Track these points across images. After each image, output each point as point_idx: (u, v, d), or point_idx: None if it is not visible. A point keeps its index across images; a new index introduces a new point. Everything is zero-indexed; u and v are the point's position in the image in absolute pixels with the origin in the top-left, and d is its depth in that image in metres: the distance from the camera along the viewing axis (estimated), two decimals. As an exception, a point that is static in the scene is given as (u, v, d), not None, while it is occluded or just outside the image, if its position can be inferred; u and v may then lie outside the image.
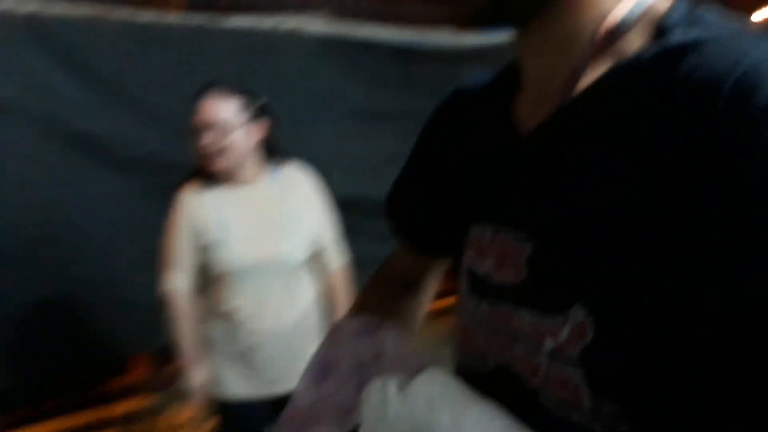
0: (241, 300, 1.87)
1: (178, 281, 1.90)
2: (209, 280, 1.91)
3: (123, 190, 2.65)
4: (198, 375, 1.90)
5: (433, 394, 0.64)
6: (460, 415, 0.61)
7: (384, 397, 0.67)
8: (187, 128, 2.67)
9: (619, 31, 0.58)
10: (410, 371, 0.69)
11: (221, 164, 1.83)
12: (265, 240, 1.88)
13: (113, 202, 2.63)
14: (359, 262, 2.13)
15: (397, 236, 0.93)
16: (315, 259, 2.00)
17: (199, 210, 1.88)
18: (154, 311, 2.80)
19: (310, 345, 1.88)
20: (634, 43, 0.57)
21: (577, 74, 0.60)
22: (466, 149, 0.75)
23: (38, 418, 2.72)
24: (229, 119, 1.81)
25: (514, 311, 0.64)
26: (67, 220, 2.53)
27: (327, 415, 0.74)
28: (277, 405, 1.85)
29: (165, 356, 3.29)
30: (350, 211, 2.37)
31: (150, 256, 2.75)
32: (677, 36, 0.54)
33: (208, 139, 1.80)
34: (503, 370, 0.66)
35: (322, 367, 0.79)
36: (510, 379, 0.65)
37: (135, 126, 2.67)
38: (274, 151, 1.96)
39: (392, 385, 0.68)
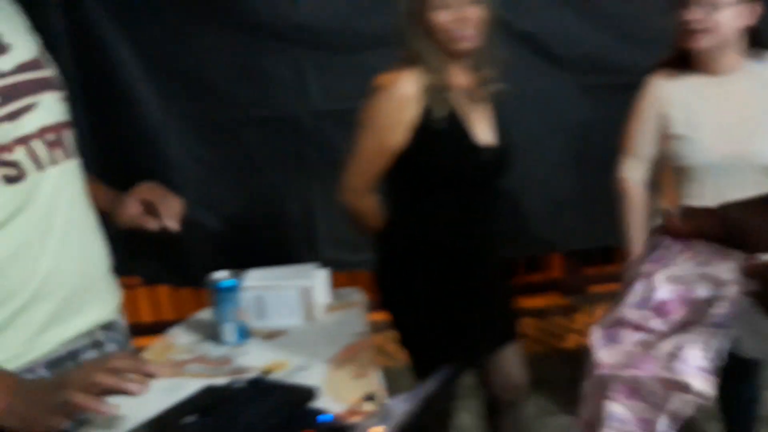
0: (699, 198, 1.75)
1: (634, 170, 1.87)
2: (668, 173, 1.83)
3: (561, 89, 2.65)
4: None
5: None
6: None
7: None
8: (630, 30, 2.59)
9: None
10: None
11: (703, 43, 1.68)
12: (736, 136, 1.72)
13: (551, 99, 2.65)
14: None
15: None
16: None
17: (669, 97, 1.78)
18: (573, 213, 2.85)
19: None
20: None
21: None
22: None
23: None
24: None
25: None
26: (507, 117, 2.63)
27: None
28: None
29: (580, 260, 3.36)
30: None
31: (577, 156, 2.78)
32: None
33: (695, 15, 1.66)
34: None
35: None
36: None
37: (575, 25, 2.63)
38: (758, 40, 1.75)
39: None
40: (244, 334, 1.45)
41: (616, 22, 2.63)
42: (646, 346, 0.77)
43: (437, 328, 1.64)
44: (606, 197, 2.76)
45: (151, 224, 1.19)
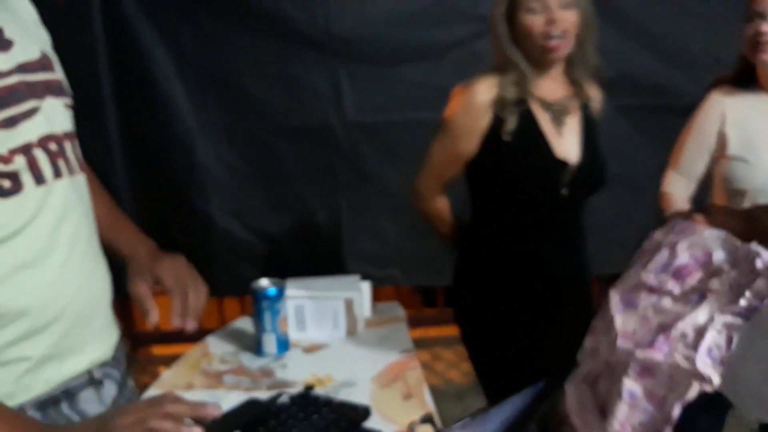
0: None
1: (680, 187, 1.80)
2: (719, 193, 1.76)
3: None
4: None
5: None
6: None
7: None
8: (670, 50, 2.54)
9: None
10: None
11: None
12: None
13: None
14: None
15: None
16: None
17: (726, 114, 1.71)
18: (604, 236, 2.77)
19: None
20: None
21: None
22: None
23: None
24: None
25: None
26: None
27: None
28: None
29: (609, 285, 3.27)
30: None
31: (610, 178, 2.70)
32: None
33: (765, 27, 1.60)
34: None
35: None
36: None
37: (614, 44, 2.57)
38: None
39: None
40: (285, 345, 1.39)
41: (656, 42, 2.58)
42: (660, 312, 0.79)
43: (511, 346, 1.56)
44: (639, 221, 2.72)
45: (152, 317, 1.03)
